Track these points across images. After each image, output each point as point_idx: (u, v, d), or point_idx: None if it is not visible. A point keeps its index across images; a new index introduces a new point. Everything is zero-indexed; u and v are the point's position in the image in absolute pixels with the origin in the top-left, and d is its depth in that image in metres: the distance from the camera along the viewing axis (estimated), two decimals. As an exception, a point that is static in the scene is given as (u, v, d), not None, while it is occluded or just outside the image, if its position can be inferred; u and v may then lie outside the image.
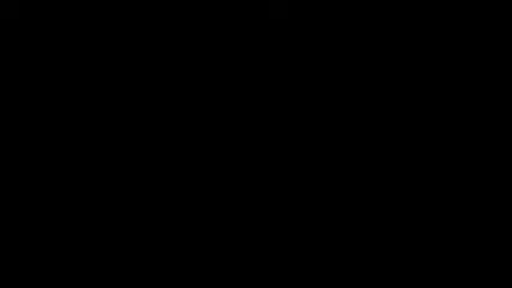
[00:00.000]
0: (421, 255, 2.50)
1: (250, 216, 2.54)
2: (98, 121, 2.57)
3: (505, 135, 2.53)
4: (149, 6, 2.58)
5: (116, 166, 2.56)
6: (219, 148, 2.56)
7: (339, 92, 2.57)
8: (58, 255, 2.50)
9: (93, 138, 2.56)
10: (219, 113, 2.57)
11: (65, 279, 2.48)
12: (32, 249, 2.49)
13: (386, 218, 2.52)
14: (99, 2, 2.57)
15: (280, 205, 2.54)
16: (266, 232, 2.53)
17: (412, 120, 2.56)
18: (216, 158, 2.56)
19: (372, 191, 2.54)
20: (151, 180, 2.55)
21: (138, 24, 2.58)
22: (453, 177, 2.53)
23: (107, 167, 2.56)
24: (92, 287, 2.47)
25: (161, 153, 2.57)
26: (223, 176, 2.55)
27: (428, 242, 2.50)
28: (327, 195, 2.54)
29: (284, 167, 2.55)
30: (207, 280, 2.50)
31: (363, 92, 2.57)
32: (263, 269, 2.51)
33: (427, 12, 2.57)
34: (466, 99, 2.56)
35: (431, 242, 2.50)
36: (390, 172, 2.54)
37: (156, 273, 2.50)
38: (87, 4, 2.58)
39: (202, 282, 2.50)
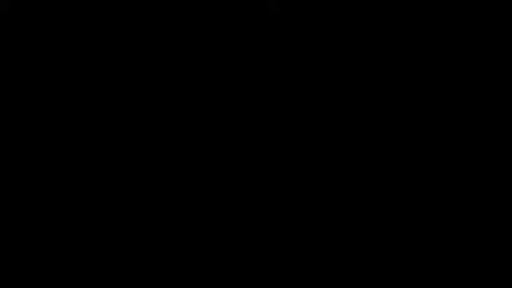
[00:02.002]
0: (421, 255, 2.49)
1: (250, 216, 2.53)
2: (89, 118, 2.56)
3: (505, 135, 2.53)
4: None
5: (114, 165, 2.55)
6: (214, 139, 2.56)
7: (334, 88, 2.58)
8: (58, 255, 2.49)
9: (86, 135, 2.56)
10: (215, 108, 2.58)
11: (65, 279, 2.47)
12: (32, 249, 2.49)
13: (386, 217, 2.52)
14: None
15: (279, 205, 2.53)
16: (266, 232, 2.52)
17: (403, 112, 2.57)
18: (210, 148, 2.56)
19: (369, 189, 2.54)
20: (151, 180, 2.54)
21: (133, 17, 2.59)
22: (453, 177, 2.53)
23: (103, 165, 2.55)
24: (92, 287, 2.48)
25: (156, 149, 2.56)
26: (218, 170, 2.55)
27: (428, 242, 2.50)
28: (323, 191, 2.54)
29: (281, 161, 2.55)
30: (207, 280, 2.49)
31: (357, 87, 2.58)
32: (263, 269, 2.50)
33: (417, 5, 2.58)
34: (462, 99, 2.57)
35: (431, 242, 2.50)
36: (385, 168, 2.55)
37: (156, 273, 2.49)
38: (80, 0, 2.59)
39: (202, 283, 2.49)
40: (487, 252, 2.49)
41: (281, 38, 2.59)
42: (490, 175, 2.53)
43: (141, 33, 2.59)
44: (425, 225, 2.52)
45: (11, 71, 2.57)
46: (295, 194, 2.55)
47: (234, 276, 2.50)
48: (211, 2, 2.58)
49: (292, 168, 2.56)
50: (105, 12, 2.59)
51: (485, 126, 2.56)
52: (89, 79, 2.58)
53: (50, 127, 2.56)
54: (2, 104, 2.56)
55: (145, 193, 2.54)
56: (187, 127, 2.57)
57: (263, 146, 2.56)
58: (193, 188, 2.54)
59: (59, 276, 2.48)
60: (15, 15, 2.56)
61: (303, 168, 2.56)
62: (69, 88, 2.58)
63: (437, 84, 2.59)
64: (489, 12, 2.58)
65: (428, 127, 2.57)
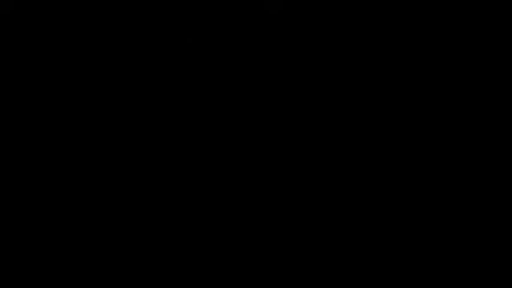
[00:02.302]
0: (421, 255, 2.49)
1: (250, 216, 2.53)
2: (89, 118, 2.56)
3: (505, 135, 2.54)
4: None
5: (114, 165, 2.55)
6: (214, 139, 2.56)
7: (334, 88, 2.58)
8: (58, 255, 2.49)
9: (86, 134, 2.56)
10: (214, 108, 2.58)
11: (65, 279, 2.47)
12: (32, 249, 2.49)
13: (386, 218, 2.52)
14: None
15: (279, 204, 2.54)
16: (266, 232, 2.52)
17: (398, 110, 2.57)
18: (210, 148, 2.56)
19: (369, 188, 2.54)
20: (151, 180, 2.54)
21: (133, 17, 2.59)
22: (453, 177, 2.53)
23: (103, 165, 2.55)
24: (92, 287, 2.48)
25: (157, 149, 2.56)
26: (218, 170, 2.55)
27: (428, 242, 2.50)
28: (323, 190, 2.54)
29: (281, 161, 2.55)
30: (207, 280, 2.49)
31: (357, 87, 2.58)
32: (263, 269, 2.50)
33: (417, 5, 2.59)
34: (462, 99, 2.57)
35: (431, 242, 2.50)
36: (382, 167, 2.55)
37: (156, 273, 2.49)
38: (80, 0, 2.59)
39: (202, 283, 2.49)
40: (487, 252, 2.49)
41: (281, 38, 2.59)
42: (490, 175, 2.53)
43: (141, 33, 2.59)
44: (425, 225, 2.52)
45: (11, 71, 2.57)
46: (295, 193, 2.54)
47: (234, 276, 2.50)
48: (211, 2, 2.58)
49: (292, 167, 2.56)
50: (105, 12, 2.58)
51: (485, 126, 2.56)
52: (88, 79, 2.58)
53: (50, 127, 2.55)
54: (2, 103, 2.55)
55: (145, 193, 2.54)
56: (187, 127, 2.57)
57: (263, 146, 2.56)
58: (193, 188, 2.54)
59: (59, 276, 2.48)
60: (15, 15, 2.56)
61: (302, 168, 2.55)
62: (69, 88, 2.58)
63: (437, 84, 2.59)
64: (489, 12, 2.58)
65: (429, 127, 2.57)
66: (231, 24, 2.58)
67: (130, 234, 2.51)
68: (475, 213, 2.51)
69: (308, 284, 2.49)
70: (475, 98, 2.57)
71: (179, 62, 2.58)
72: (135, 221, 2.52)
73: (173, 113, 2.58)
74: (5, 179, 2.52)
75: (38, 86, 2.57)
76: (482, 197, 2.52)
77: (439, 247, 2.50)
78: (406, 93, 2.58)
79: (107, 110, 2.57)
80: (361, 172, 2.55)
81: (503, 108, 2.56)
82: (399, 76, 2.59)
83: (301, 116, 2.58)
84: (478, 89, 2.57)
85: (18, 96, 2.57)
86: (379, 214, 2.52)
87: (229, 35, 2.59)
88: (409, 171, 2.55)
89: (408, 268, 2.49)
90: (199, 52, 2.59)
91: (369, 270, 2.49)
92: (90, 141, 2.55)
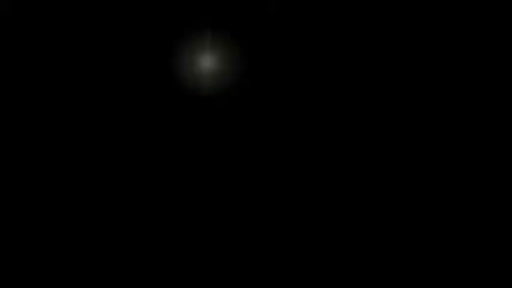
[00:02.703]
0: (421, 255, 2.49)
1: (251, 216, 2.53)
2: (89, 117, 2.57)
3: (505, 135, 2.54)
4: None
5: (114, 165, 2.55)
6: (214, 138, 2.56)
7: (333, 88, 2.58)
8: (58, 255, 2.49)
9: (85, 134, 2.56)
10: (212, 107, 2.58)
11: (65, 279, 2.48)
12: (32, 249, 2.49)
13: (386, 218, 2.52)
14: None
15: (280, 204, 2.54)
16: (266, 232, 2.53)
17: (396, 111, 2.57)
18: (209, 148, 2.56)
19: (369, 188, 2.54)
20: (150, 180, 2.55)
21: (133, 18, 2.60)
22: (453, 177, 2.53)
23: (102, 165, 2.55)
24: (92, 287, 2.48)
25: (156, 149, 2.56)
26: (218, 170, 2.55)
27: (428, 242, 2.50)
28: (322, 190, 2.54)
29: (280, 160, 2.55)
30: (207, 280, 2.49)
31: (356, 87, 2.58)
32: (263, 269, 2.50)
33: (417, 6, 2.59)
34: (462, 99, 2.58)
35: (431, 242, 2.50)
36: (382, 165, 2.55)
37: (156, 273, 2.49)
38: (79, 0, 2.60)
39: (202, 283, 2.49)
40: (487, 252, 2.49)
41: (281, 38, 2.59)
42: (490, 175, 2.54)
43: (141, 33, 2.59)
44: (425, 225, 2.52)
45: (11, 71, 2.57)
46: (294, 192, 2.54)
47: (234, 276, 2.50)
48: (211, 2, 2.58)
49: (292, 167, 2.56)
50: (104, 12, 2.59)
51: (486, 126, 2.56)
52: (88, 79, 2.58)
53: (50, 127, 2.56)
54: (2, 103, 2.56)
55: (144, 193, 2.54)
56: (186, 126, 2.57)
57: (263, 145, 2.56)
58: (193, 188, 2.55)
59: (59, 276, 2.48)
60: (15, 15, 2.56)
61: (302, 167, 2.56)
62: (69, 88, 2.58)
63: (437, 84, 2.59)
64: (489, 12, 2.59)
65: (429, 127, 2.57)
66: (231, 24, 2.58)
67: (130, 234, 2.51)
68: (475, 213, 2.52)
69: (308, 284, 2.49)
70: (475, 98, 2.58)
71: (178, 62, 2.59)
72: (134, 221, 2.52)
73: (172, 113, 2.58)
74: (5, 179, 2.52)
75: (38, 85, 2.57)
76: (482, 197, 2.52)
77: (439, 247, 2.50)
78: (405, 93, 2.58)
79: (107, 109, 2.57)
80: (360, 171, 2.55)
81: (503, 108, 2.56)
82: (399, 76, 2.59)
83: (301, 116, 2.58)
84: (478, 89, 2.58)
85: (18, 95, 2.57)
86: (380, 214, 2.53)
87: (229, 35, 2.59)
88: (409, 171, 2.55)
89: (408, 268, 2.49)
90: (199, 52, 2.59)
91: (369, 270, 2.50)
92: (90, 140, 2.56)
